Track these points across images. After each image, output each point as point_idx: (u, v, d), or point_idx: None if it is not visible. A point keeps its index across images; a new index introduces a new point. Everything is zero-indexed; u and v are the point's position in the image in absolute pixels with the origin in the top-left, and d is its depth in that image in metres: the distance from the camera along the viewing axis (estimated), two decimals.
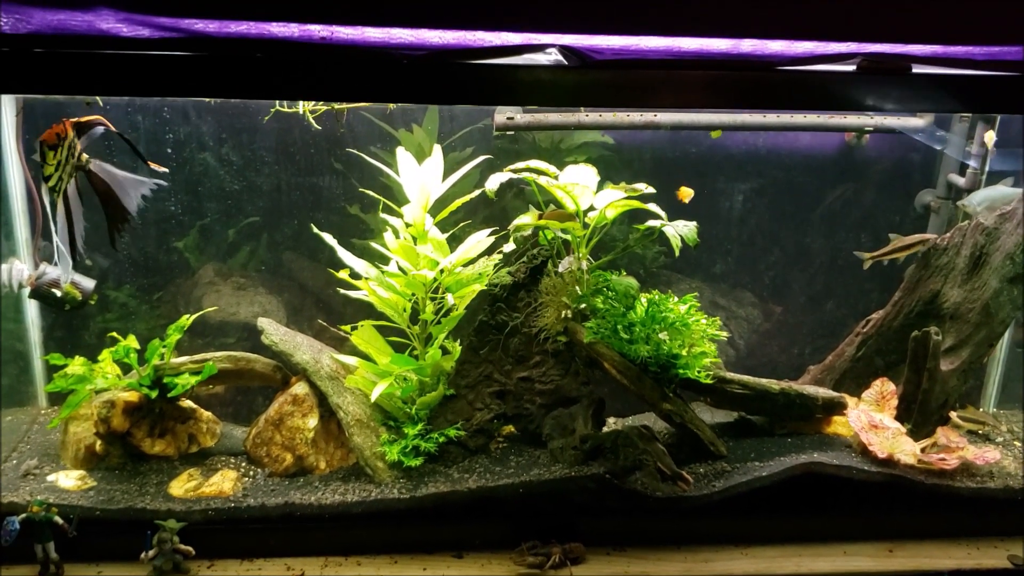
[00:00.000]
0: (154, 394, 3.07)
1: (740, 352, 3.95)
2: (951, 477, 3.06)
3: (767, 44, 2.39)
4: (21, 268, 3.12)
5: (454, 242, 3.25)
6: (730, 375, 3.22)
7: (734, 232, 3.82)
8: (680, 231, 2.93)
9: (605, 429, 3.23)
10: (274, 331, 3.25)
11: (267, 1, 2.16)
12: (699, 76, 2.44)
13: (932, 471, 3.05)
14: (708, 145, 3.66)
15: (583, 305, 3.09)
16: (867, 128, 3.54)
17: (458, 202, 3.19)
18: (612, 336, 3.00)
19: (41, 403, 3.58)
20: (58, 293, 3.04)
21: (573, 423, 3.11)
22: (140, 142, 3.29)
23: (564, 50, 2.36)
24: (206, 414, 3.26)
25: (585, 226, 3.04)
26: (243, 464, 3.16)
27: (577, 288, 3.11)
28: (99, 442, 3.05)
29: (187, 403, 3.20)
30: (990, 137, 3.36)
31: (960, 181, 3.59)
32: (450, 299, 3.10)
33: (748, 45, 2.39)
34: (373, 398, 3.02)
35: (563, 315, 3.09)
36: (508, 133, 3.41)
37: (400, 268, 3.22)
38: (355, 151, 3.34)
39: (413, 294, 3.21)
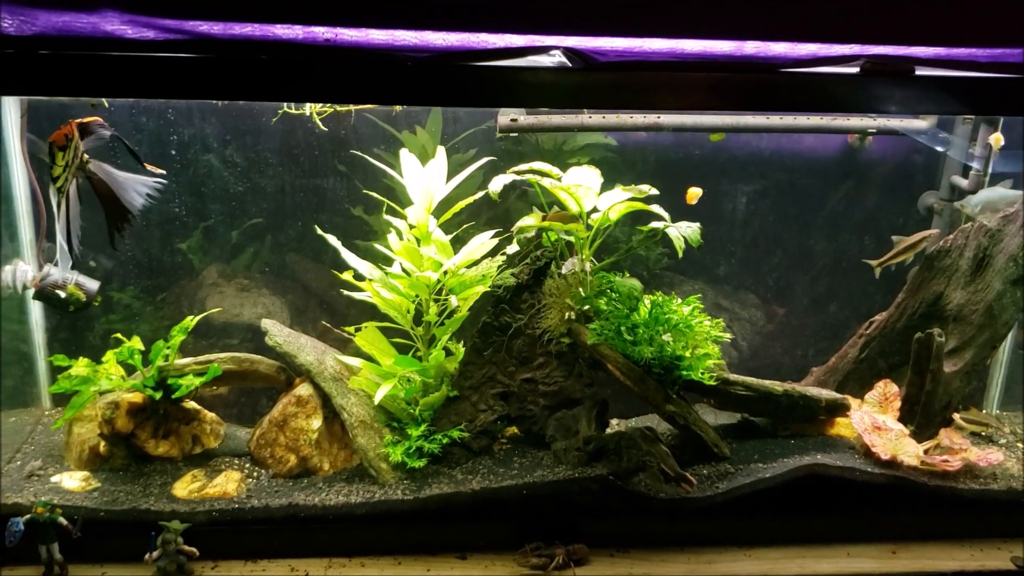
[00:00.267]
0: (158, 395, 3.07)
1: (743, 354, 3.95)
2: (954, 479, 3.06)
3: (770, 46, 2.39)
4: (25, 269, 3.12)
5: (458, 244, 3.25)
6: (733, 377, 3.23)
7: (737, 234, 3.82)
8: (683, 232, 2.93)
9: (609, 431, 3.23)
10: (278, 332, 3.25)
11: (271, 3, 2.16)
12: (702, 78, 2.44)
13: (935, 473, 3.05)
14: (711, 147, 3.66)
15: (587, 307, 3.09)
16: (870, 130, 3.54)
17: (461, 204, 3.19)
18: (616, 338, 3.00)
19: (45, 404, 3.59)
20: (62, 294, 3.04)
21: (577, 425, 3.11)
22: (144, 144, 3.29)
23: (568, 52, 2.36)
24: (210, 415, 3.26)
25: (588, 228, 3.05)
26: (247, 465, 3.17)
27: (581, 290, 3.11)
28: (103, 443, 3.06)
29: (191, 404, 3.21)
30: (997, 139, 3.35)
31: (963, 183, 3.58)
32: (454, 301, 3.10)
33: (751, 47, 2.39)
34: (377, 399, 3.02)
35: (567, 317, 3.09)
36: (511, 135, 3.41)
37: (404, 270, 3.22)
38: (359, 153, 3.35)
39: (417, 296, 3.21)
